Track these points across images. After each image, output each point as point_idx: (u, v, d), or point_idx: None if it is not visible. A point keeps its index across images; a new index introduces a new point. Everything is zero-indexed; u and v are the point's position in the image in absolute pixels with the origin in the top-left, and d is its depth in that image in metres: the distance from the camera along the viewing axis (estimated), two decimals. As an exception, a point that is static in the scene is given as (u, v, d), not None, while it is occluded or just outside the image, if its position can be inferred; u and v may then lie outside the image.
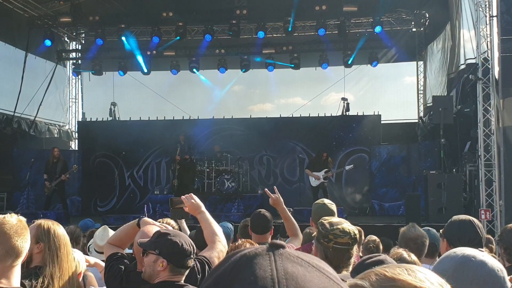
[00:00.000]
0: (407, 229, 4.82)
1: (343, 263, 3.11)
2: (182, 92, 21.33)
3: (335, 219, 3.35)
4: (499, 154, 12.41)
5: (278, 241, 0.95)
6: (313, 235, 3.49)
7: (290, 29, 17.99)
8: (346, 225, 3.19)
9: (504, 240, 4.08)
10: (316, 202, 4.69)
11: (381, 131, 18.83)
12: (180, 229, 5.28)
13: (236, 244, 4.30)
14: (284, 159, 18.92)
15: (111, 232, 4.86)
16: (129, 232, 3.72)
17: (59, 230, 3.47)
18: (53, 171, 14.91)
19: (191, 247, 3.16)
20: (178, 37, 18.25)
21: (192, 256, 3.18)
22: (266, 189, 5.39)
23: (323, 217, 3.32)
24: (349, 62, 19.05)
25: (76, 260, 4.01)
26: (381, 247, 6.62)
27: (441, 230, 3.84)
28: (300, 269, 0.90)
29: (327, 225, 3.15)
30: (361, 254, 6.06)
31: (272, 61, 19.56)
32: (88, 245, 5.34)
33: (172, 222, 5.29)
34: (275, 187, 5.24)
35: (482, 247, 3.49)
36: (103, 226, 5.46)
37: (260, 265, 0.90)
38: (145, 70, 19.75)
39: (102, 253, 4.56)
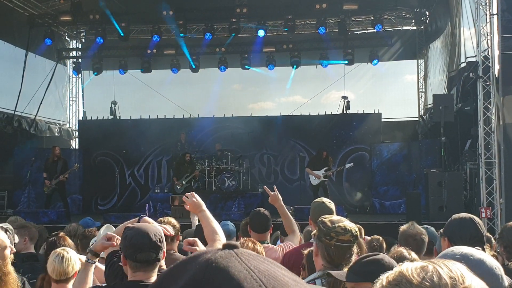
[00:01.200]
0: (407, 227, 4.86)
1: (345, 260, 3.12)
2: (182, 90, 21.35)
3: (335, 217, 3.35)
4: (500, 152, 12.41)
5: (232, 242, 0.95)
6: (312, 233, 3.49)
7: (287, 29, 18.01)
8: (347, 222, 3.21)
9: (504, 238, 4.09)
10: (314, 201, 4.71)
11: (381, 129, 18.83)
12: (178, 230, 5.27)
13: (239, 242, 4.31)
14: (284, 158, 18.92)
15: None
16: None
17: None
18: (54, 169, 14.89)
19: (146, 240, 3.02)
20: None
21: (152, 250, 3.02)
22: (265, 186, 5.45)
23: (323, 216, 3.33)
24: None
25: (73, 260, 4.03)
26: (384, 246, 6.64)
27: (441, 230, 3.84)
28: (267, 266, 0.90)
29: (328, 223, 3.15)
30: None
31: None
32: (90, 244, 5.34)
33: (173, 220, 5.29)
34: (274, 186, 5.28)
35: (483, 244, 3.50)
36: (106, 225, 5.47)
37: (233, 267, 0.87)
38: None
39: None
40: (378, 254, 2.70)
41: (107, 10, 17.24)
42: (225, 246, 0.94)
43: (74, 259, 4.09)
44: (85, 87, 22.35)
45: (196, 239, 3.87)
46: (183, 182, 15.79)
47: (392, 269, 1.20)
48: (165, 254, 3.59)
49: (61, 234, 5.27)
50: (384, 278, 1.20)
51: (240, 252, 0.92)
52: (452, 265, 1.17)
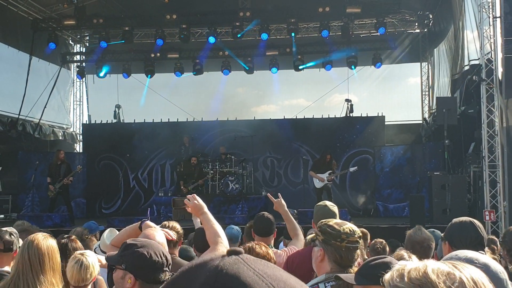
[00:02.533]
0: (414, 232, 4.83)
1: (353, 262, 3.14)
2: (186, 94, 21.39)
3: (337, 220, 3.36)
4: (503, 155, 12.39)
5: (237, 248, 0.97)
6: (308, 238, 3.46)
7: (293, 33, 17.97)
8: (350, 224, 3.23)
9: (507, 242, 4.09)
10: (318, 204, 4.71)
11: (385, 132, 18.82)
12: (181, 236, 5.27)
13: (251, 245, 4.28)
14: (288, 161, 18.93)
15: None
16: (131, 235, 3.72)
17: (40, 243, 3.67)
18: (57, 173, 14.96)
19: (163, 258, 2.83)
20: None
21: (165, 268, 2.81)
22: (269, 194, 5.46)
23: (325, 219, 3.32)
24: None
25: (91, 266, 4.04)
26: (387, 248, 6.65)
27: (442, 234, 3.85)
28: (273, 270, 0.93)
29: (336, 226, 3.16)
30: (366, 257, 6.09)
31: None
32: (94, 248, 5.36)
33: (177, 226, 5.28)
34: (279, 194, 5.28)
35: (484, 248, 3.51)
36: (109, 229, 5.49)
37: (243, 273, 0.89)
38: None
39: None
40: (386, 257, 2.70)
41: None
42: (230, 252, 0.95)
43: (93, 263, 4.10)
44: (89, 91, 22.43)
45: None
46: (189, 188, 15.76)
47: None
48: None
49: (73, 237, 5.30)
50: (406, 272, 1.18)
51: (246, 258, 0.95)
52: (479, 278, 1.16)
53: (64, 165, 15.13)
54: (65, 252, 4.85)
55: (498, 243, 6.97)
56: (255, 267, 0.92)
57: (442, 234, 3.83)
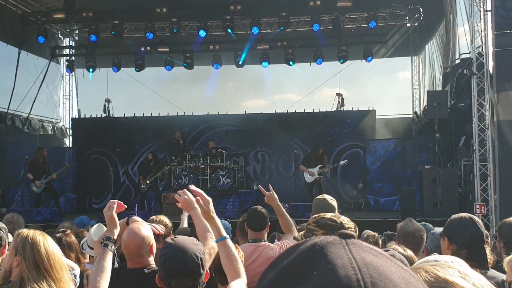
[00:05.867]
0: (405, 223, 4.84)
1: None
2: (176, 88, 21.28)
3: (332, 213, 3.33)
4: (494, 149, 12.43)
5: (348, 231, 0.91)
6: (299, 234, 3.39)
7: (282, 28, 17.87)
8: (343, 217, 3.21)
9: (504, 234, 4.08)
10: (317, 197, 4.69)
11: (376, 126, 18.84)
12: (170, 229, 5.24)
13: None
14: (279, 155, 18.92)
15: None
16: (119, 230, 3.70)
17: (43, 241, 3.24)
18: (42, 170, 15.08)
19: (183, 265, 2.85)
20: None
21: (188, 277, 2.84)
22: (260, 185, 5.43)
23: (319, 214, 3.27)
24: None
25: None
26: (380, 242, 6.66)
27: (440, 230, 3.84)
28: (376, 258, 0.85)
29: (335, 218, 3.13)
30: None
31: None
32: (81, 243, 5.31)
33: (165, 219, 5.25)
34: (270, 185, 5.24)
35: (483, 243, 3.50)
36: (98, 224, 5.44)
37: (336, 253, 0.84)
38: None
39: None
40: (389, 250, 2.68)
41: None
42: (340, 235, 0.90)
43: None
44: (79, 85, 22.26)
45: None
46: (147, 182, 15.77)
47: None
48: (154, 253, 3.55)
49: (68, 231, 5.26)
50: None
51: (351, 242, 0.88)
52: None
53: (46, 164, 15.28)
54: (59, 246, 4.80)
55: (489, 237, 6.98)
56: (355, 251, 0.85)
57: (441, 230, 3.82)
